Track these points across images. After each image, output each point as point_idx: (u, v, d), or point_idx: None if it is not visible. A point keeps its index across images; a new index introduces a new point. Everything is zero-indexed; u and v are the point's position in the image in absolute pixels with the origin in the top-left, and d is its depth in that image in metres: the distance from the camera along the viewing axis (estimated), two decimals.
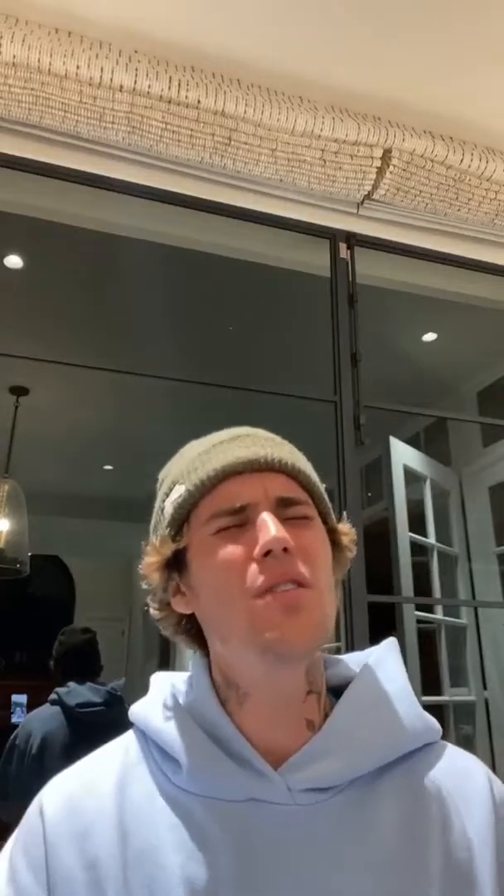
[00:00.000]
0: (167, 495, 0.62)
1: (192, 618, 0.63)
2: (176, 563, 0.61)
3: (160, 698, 0.63)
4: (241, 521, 0.57)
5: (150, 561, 0.61)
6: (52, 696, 2.17)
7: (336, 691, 0.64)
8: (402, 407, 1.98)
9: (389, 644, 0.68)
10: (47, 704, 2.18)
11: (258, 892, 0.51)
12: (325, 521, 0.63)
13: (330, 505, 0.65)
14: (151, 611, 0.64)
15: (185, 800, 0.55)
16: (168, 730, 0.58)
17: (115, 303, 2.61)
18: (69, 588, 6.45)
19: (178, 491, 0.61)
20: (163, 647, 5.63)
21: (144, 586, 0.62)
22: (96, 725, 2.05)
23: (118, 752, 0.61)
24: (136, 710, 0.63)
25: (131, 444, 3.79)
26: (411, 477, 2.63)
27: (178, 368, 1.78)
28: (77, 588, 6.46)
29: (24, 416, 3.31)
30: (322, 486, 0.64)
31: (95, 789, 0.57)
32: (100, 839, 0.53)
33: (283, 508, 0.58)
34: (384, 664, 0.66)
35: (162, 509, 0.63)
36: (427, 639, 2.51)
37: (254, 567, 0.55)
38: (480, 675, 2.79)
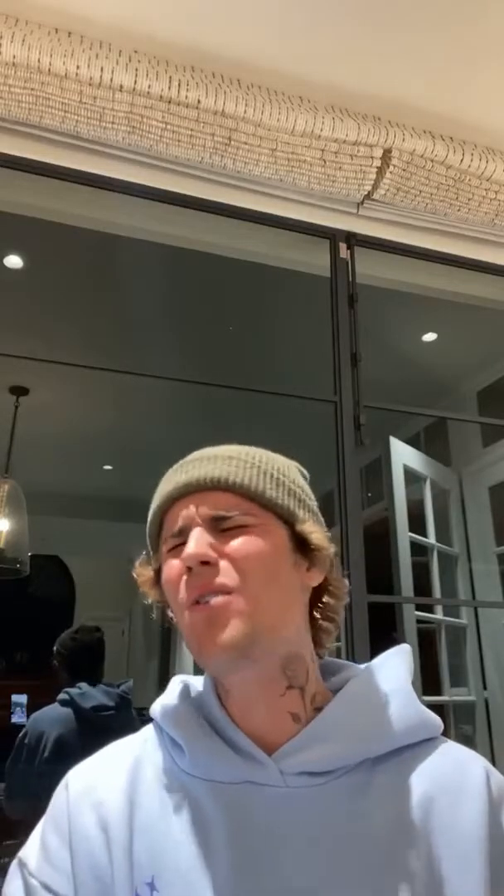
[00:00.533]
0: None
1: None
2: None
3: (174, 695, 0.69)
4: (182, 541, 0.62)
5: (140, 580, 0.69)
6: (63, 697, 2.12)
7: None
8: (402, 407, 1.98)
9: (399, 648, 0.71)
10: (56, 704, 2.13)
11: (250, 864, 0.56)
12: (287, 522, 0.64)
13: (294, 507, 0.65)
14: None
15: (189, 782, 0.61)
16: (177, 720, 0.65)
17: (115, 303, 2.61)
18: (69, 588, 6.44)
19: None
20: (163, 647, 5.63)
21: (147, 601, 0.68)
22: (106, 728, 2.04)
23: (138, 741, 0.68)
24: (155, 706, 0.69)
25: (131, 444, 3.79)
26: (411, 477, 2.63)
27: (178, 368, 1.78)
28: (77, 588, 6.46)
29: (24, 416, 3.31)
30: (282, 490, 0.65)
31: (114, 769, 0.65)
32: (112, 807, 0.61)
33: (217, 522, 0.62)
34: (387, 664, 0.69)
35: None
36: (427, 639, 2.51)
37: (183, 581, 0.61)
38: (480, 675, 2.79)
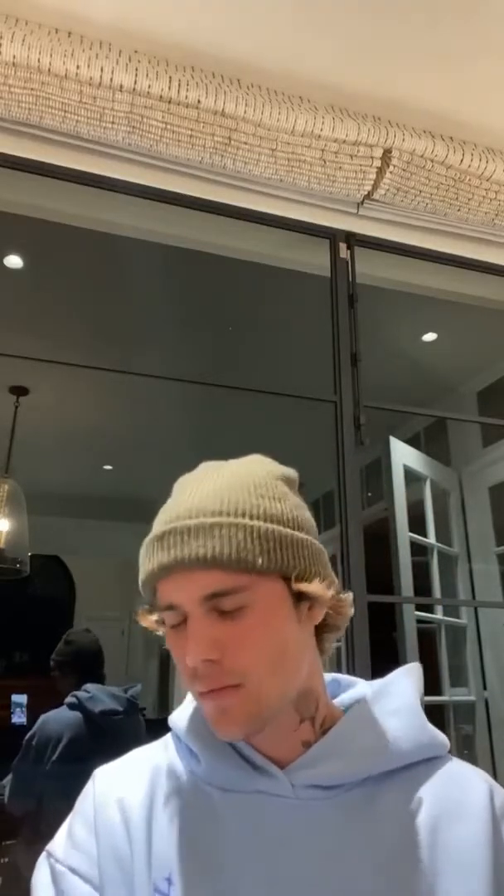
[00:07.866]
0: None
1: None
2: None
3: (191, 708, 0.70)
4: (180, 619, 0.60)
5: (145, 623, 0.67)
6: (71, 700, 2.12)
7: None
8: (402, 407, 1.98)
9: (409, 667, 0.72)
10: (65, 707, 2.13)
11: (261, 864, 0.59)
12: (287, 579, 0.60)
13: (288, 559, 0.60)
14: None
15: (204, 788, 0.64)
16: (193, 733, 0.67)
17: (115, 303, 2.61)
18: (69, 588, 6.44)
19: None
20: (163, 647, 5.62)
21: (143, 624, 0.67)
22: (114, 732, 2.05)
23: (159, 748, 0.71)
24: (174, 717, 0.72)
25: (131, 444, 3.79)
26: (411, 477, 2.63)
27: (178, 368, 1.78)
28: (77, 588, 6.46)
29: (24, 416, 3.31)
30: (272, 544, 0.60)
31: (137, 772, 0.68)
32: (134, 807, 0.64)
33: (212, 601, 0.58)
34: (395, 683, 0.70)
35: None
36: (427, 639, 2.51)
37: (190, 673, 0.60)
38: (480, 675, 2.79)
